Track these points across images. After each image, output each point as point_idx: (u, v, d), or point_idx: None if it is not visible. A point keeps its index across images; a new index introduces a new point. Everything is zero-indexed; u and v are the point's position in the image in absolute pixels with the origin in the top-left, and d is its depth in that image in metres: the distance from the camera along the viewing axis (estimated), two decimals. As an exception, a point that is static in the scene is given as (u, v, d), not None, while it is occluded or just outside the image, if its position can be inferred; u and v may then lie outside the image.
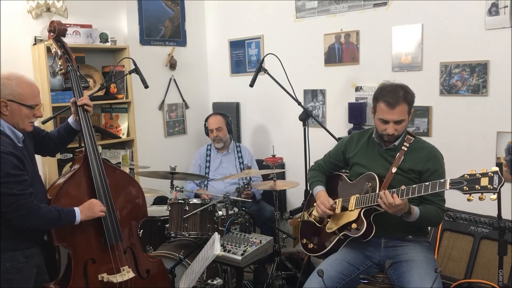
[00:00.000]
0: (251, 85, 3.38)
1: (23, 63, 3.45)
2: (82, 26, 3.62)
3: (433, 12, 3.09)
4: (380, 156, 2.39)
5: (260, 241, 2.64)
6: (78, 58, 2.95)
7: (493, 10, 2.81)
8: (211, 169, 3.90)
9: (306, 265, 3.27)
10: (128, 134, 3.90)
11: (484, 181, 1.91)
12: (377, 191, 2.25)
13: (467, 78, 2.98)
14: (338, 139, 3.03)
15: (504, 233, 2.11)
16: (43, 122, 3.12)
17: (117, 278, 2.34)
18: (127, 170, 3.65)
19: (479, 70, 2.92)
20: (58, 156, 3.45)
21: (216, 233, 2.32)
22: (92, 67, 3.79)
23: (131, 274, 2.39)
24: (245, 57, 4.36)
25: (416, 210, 2.18)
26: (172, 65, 4.38)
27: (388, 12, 3.32)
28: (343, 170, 2.65)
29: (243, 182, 3.63)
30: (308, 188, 2.76)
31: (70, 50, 2.55)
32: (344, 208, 2.36)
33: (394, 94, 2.25)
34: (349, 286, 2.31)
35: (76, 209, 2.21)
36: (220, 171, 3.88)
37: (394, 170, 2.30)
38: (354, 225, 2.27)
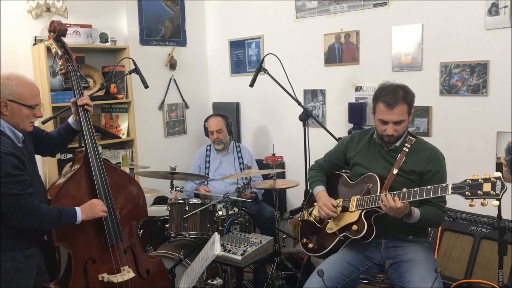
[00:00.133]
0: (251, 85, 3.38)
1: (23, 63, 3.45)
2: (82, 26, 3.62)
3: (433, 12, 3.09)
4: (381, 157, 2.39)
5: (260, 241, 2.64)
6: (78, 58, 2.94)
7: (493, 10, 2.81)
8: (211, 170, 3.89)
9: (306, 265, 3.27)
10: (128, 134, 3.90)
11: (487, 187, 1.89)
12: (378, 193, 2.24)
13: (467, 78, 2.98)
14: (338, 139, 3.03)
15: (504, 233, 2.11)
16: (43, 122, 3.12)
17: (117, 278, 2.34)
18: (127, 170, 3.65)
19: (479, 70, 2.92)
20: (58, 156, 3.45)
21: (216, 233, 2.32)
22: (92, 67, 3.79)
23: (131, 274, 2.39)
24: (245, 57, 4.36)
25: (416, 211, 2.17)
26: (172, 65, 4.38)
27: (388, 12, 3.32)
28: (343, 170, 2.65)
29: (243, 182, 3.63)
30: (308, 188, 2.76)
31: (70, 50, 2.55)
32: (345, 209, 2.36)
33: (394, 95, 2.24)
34: (349, 286, 2.31)
35: (77, 208, 2.21)
36: (220, 171, 3.88)
37: (395, 171, 2.29)
38: (354, 227, 2.26)
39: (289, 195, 4.15)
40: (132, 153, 3.90)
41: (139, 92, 3.87)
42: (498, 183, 1.88)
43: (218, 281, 2.37)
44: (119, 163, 3.87)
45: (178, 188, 3.22)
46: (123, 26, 4.06)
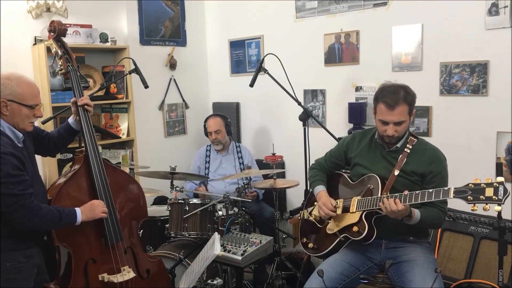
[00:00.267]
0: (251, 85, 3.38)
1: (23, 63, 3.45)
2: (82, 26, 3.62)
3: (433, 12, 3.09)
4: (382, 157, 2.38)
5: (260, 241, 2.64)
6: (78, 58, 2.94)
7: (493, 10, 2.81)
8: (210, 170, 3.89)
9: (306, 265, 3.27)
10: (128, 134, 3.90)
11: (489, 192, 1.88)
12: (379, 194, 2.24)
13: (467, 78, 2.98)
14: (338, 139, 3.03)
15: (504, 233, 2.11)
16: (43, 122, 3.12)
17: (117, 278, 2.33)
18: (127, 170, 3.65)
19: (479, 70, 2.92)
20: (58, 156, 3.44)
21: (216, 233, 2.32)
22: (92, 67, 3.79)
23: (132, 274, 2.39)
24: (245, 57, 4.36)
25: (416, 213, 2.17)
26: (172, 65, 4.38)
27: (388, 12, 3.32)
28: (343, 170, 2.65)
29: (243, 182, 3.63)
30: (309, 187, 2.76)
31: (70, 50, 2.54)
32: (345, 209, 2.36)
33: (394, 95, 2.22)
34: (349, 286, 2.31)
35: (77, 209, 2.21)
36: (219, 171, 3.88)
37: (396, 172, 2.28)
38: (355, 228, 2.26)
39: (289, 195, 4.15)
40: (132, 153, 3.90)
41: (139, 92, 3.87)
42: (501, 188, 1.86)
43: (218, 281, 2.37)
44: (119, 163, 3.87)
45: (178, 188, 3.22)
46: (123, 26, 4.06)
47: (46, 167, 3.50)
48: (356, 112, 3.46)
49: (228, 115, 3.97)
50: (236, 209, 3.20)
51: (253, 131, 4.45)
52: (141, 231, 2.94)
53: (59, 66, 2.54)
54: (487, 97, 2.92)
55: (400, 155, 2.31)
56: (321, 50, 3.75)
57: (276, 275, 3.24)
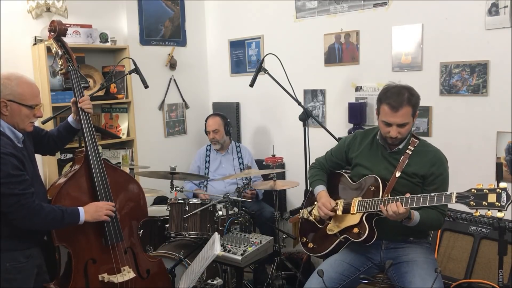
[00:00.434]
0: (251, 85, 3.38)
1: (23, 63, 3.45)
2: (82, 26, 3.62)
3: (433, 12, 3.09)
4: (384, 158, 2.37)
5: (260, 241, 2.64)
6: (78, 58, 2.93)
7: (493, 10, 2.81)
8: (210, 170, 3.89)
9: (305, 264, 3.27)
10: (128, 134, 3.90)
11: (492, 198, 1.86)
12: (380, 195, 2.23)
13: (467, 78, 2.99)
14: (338, 139, 3.03)
15: (504, 233, 2.11)
16: (43, 122, 3.12)
17: (117, 278, 2.33)
18: (127, 170, 3.65)
19: (479, 70, 2.92)
20: (58, 156, 3.45)
21: (216, 233, 2.32)
22: (92, 67, 3.79)
23: (132, 274, 2.39)
24: (245, 57, 4.36)
25: (416, 215, 2.17)
26: (172, 65, 4.38)
27: (388, 12, 3.32)
28: (344, 170, 2.64)
29: (243, 182, 3.63)
30: (309, 187, 2.75)
31: (70, 50, 2.54)
32: (346, 210, 2.35)
33: (398, 97, 2.20)
34: (349, 286, 2.31)
35: (80, 209, 2.20)
36: (219, 171, 3.88)
37: (397, 174, 2.27)
38: (356, 230, 2.25)
39: (289, 195, 4.15)
40: (132, 153, 3.90)
41: (139, 92, 3.87)
42: (504, 194, 1.85)
43: (218, 281, 2.36)
44: (119, 163, 3.87)
45: (178, 188, 3.22)
46: (123, 26, 4.06)
47: (46, 167, 3.50)
48: (356, 112, 3.46)
49: (228, 115, 3.97)
50: (236, 209, 3.20)
51: (253, 131, 4.45)
52: (141, 231, 2.94)
53: (59, 66, 2.53)
54: (487, 97, 2.92)
55: (402, 157, 2.30)
56: (321, 50, 3.75)
57: (276, 275, 3.24)
